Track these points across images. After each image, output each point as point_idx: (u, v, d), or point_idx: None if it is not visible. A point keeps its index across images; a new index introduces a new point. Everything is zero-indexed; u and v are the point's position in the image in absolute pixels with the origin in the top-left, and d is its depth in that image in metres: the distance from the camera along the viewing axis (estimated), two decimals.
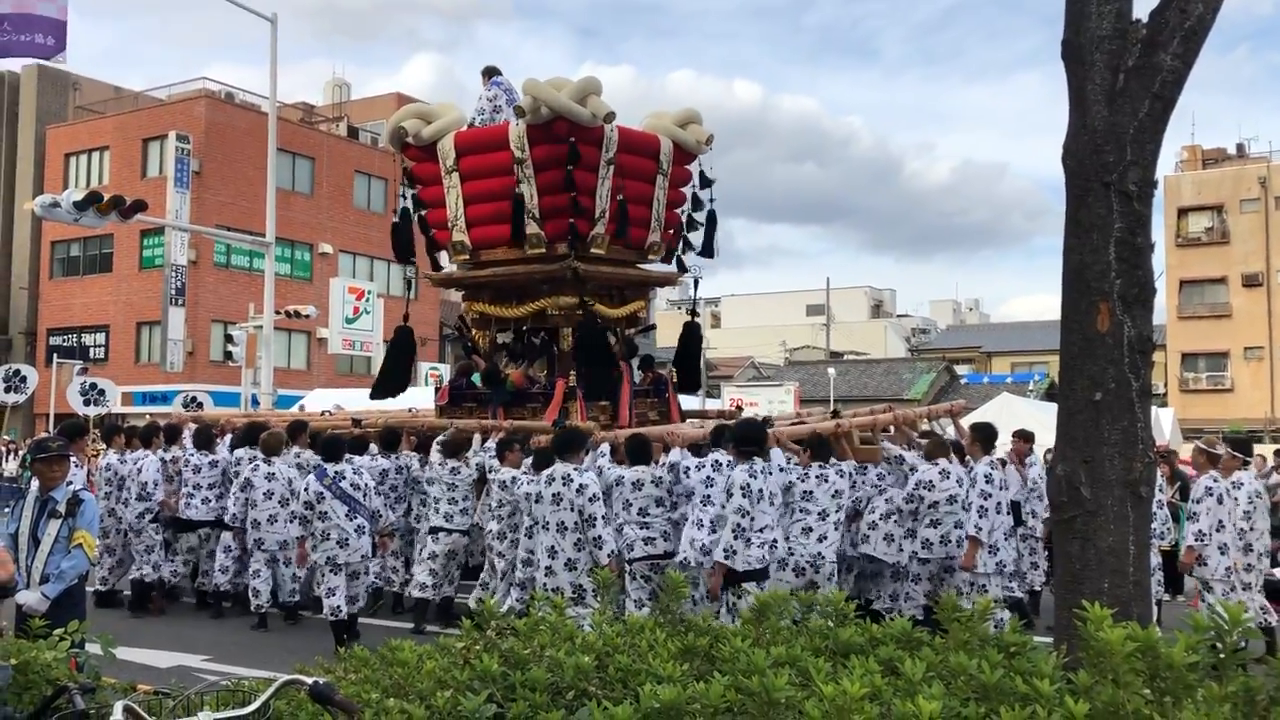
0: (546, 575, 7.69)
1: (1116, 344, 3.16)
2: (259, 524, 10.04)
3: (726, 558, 7.25)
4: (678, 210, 12.37)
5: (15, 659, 3.24)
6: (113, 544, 10.74)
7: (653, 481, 8.34)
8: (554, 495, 7.70)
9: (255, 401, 22.22)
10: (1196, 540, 9.05)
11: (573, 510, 7.63)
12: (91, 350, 37.46)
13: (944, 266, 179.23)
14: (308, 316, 26.36)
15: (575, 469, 7.81)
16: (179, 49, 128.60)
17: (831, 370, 44.23)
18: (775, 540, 7.55)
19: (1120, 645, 2.31)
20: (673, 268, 12.82)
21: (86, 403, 22.41)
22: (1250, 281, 45.61)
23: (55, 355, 35.59)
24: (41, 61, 38.90)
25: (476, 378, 11.94)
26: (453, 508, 9.67)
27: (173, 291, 33.59)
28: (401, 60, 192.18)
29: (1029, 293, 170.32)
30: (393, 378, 12.53)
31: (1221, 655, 2.45)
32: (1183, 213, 47.44)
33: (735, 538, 7.25)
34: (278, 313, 20.37)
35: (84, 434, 11.09)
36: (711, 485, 8.00)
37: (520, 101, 11.04)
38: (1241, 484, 9.44)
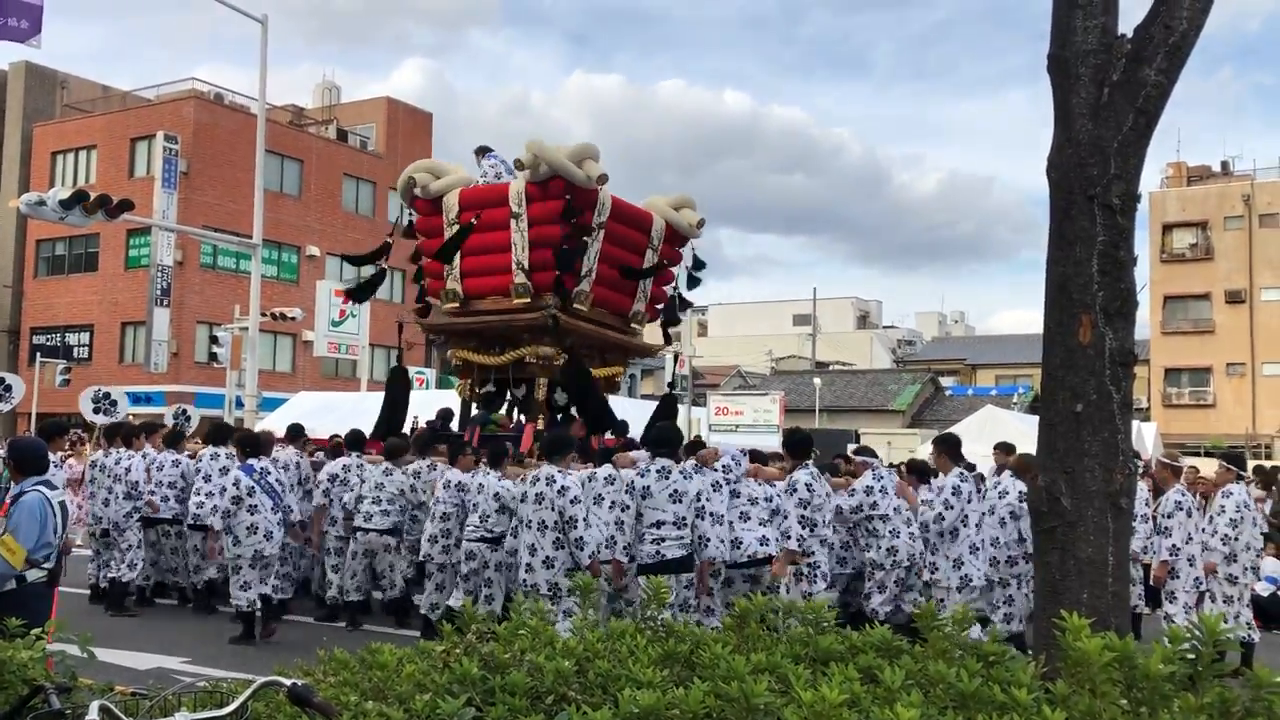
0: (526, 572, 8.06)
1: (1098, 356, 3.18)
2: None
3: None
4: (664, 288, 13.11)
5: None
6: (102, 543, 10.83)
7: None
8: (537, 495, 8.04)
9: (239, 404, 22.14)
10: (1170, 555, 9.12)
11: (553, 510, 7.97)
12: (75, 350, 37.27)
13: (930, 278, 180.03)
14: (293, 319, 26.30)
15: (560, 471, 8.12)
16: (168, 49, 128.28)
17: (817, 380, 44.32)
18: (675, 536, 7.93)
19: (1098, 655, 2.33)
20: (654, 338, 13.64)
21: (97, 410, 22.11)
22: (1233, 298, 45.93)
23: (39, 354, 35.40)
24: (29, 59, 38.96)
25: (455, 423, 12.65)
26: (375, 508, 10.06)
27: (158, 292, 33.45)
28: (392, 64, 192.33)
29: (1014, 306, 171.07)
30: (394, 420, 12.88)
31: (1198, 667, 2.46)
32: (1167, 229, 47.76)
33: (616, 530, 8.09)
34: (264, 315, 20.30)
35: (64, 433, 11.10)
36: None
37: (517, 170, 11.84)
38: (1231, 493, 9.51)
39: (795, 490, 8.58)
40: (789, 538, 8.42)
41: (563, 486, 7.96)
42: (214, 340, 29.33)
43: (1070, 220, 3.25)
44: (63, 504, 5.95)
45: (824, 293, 63.96)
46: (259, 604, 9.37)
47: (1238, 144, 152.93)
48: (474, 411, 12.77)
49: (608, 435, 11.77)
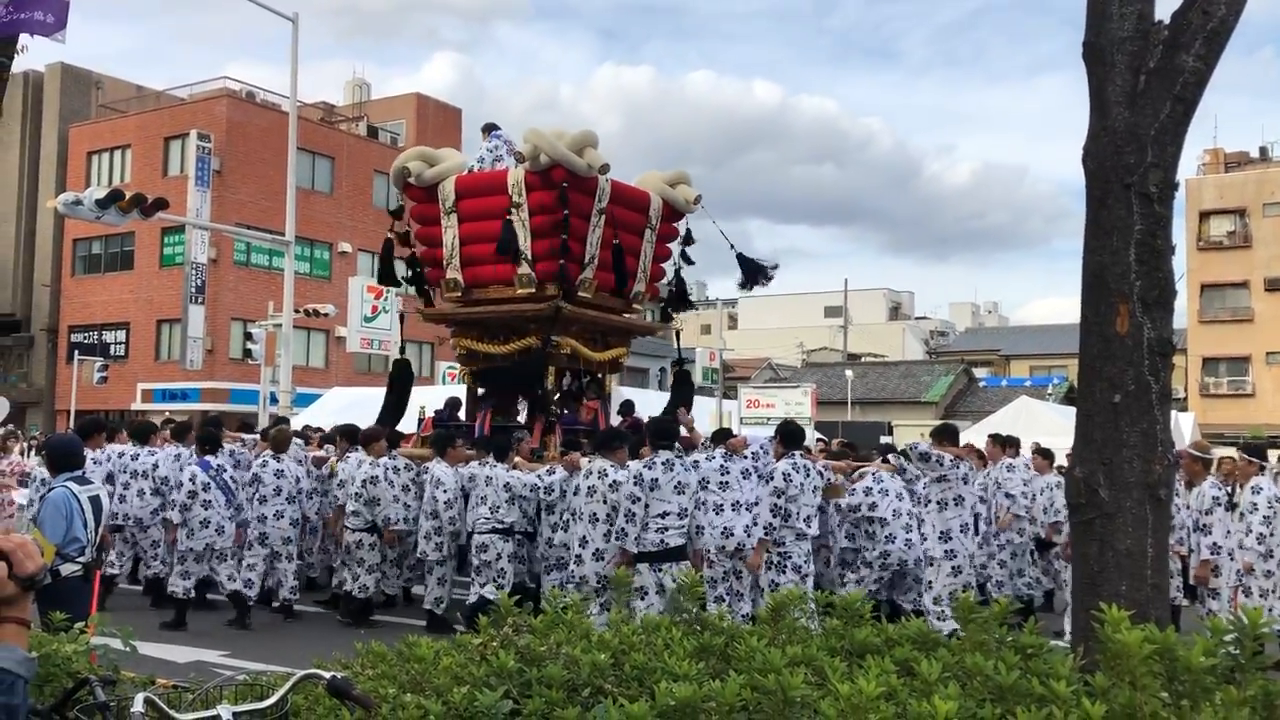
0: (575, 564, 8.34)
1: (1136, 346, 3.14)
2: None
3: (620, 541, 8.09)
4: (662, 264, 13.04)
5: (36, 652, 3.27)
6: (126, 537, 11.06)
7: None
8: (589, 488, 8.35)
9: (274, 399, 22.31)
10: (1212, 553, 9.00)
11: (605, 503, 8.24)
12: (112, 347, 37.73)
13: (963, 269, 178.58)
14: (326, 315, 26.45)
15: (612, 465, 8.38)
16: (200, 48, 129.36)
17: (849, 372, 44.10)
18: (677, 526, 8.17)
19: (1138, 648, 2.30)
20: (660, 316, 13.70)
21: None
22: (1272, 286, 45.25)
23: (76, 352, 35.88)
24: (65, 60, 39.40)
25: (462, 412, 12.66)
26: (264, 507, 10.22)
27: (193, 289, 33.79)
28: (421, 60, 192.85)
29: (1048, 296, 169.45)
30: (396, 409, 13.02)
31: (1240, 659, 2.44)
32: (1204, 216, 47.13)
33: (628, 523, 8.02)
34: (297, 311, 20.47)
35: (101, 430, 11.25)
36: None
37: (520, 149, 11.73)
38: (1260, 489, 9.34)
39: (772, 479, 8.65)
40: (756, 525, 8.64)
41: (614, 481, 8.19)
42: (248, 337, 29.55)
43: (1107, 209, 3.21)
44: (95, 499, 6.00)
45: (855, 284, 63.64)
46: (192, 593, 9.93)
47: (1277, 128, 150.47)
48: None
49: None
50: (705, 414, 28.24)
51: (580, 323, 11.88)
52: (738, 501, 8.85)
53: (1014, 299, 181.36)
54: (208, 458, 10.13)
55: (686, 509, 8.31)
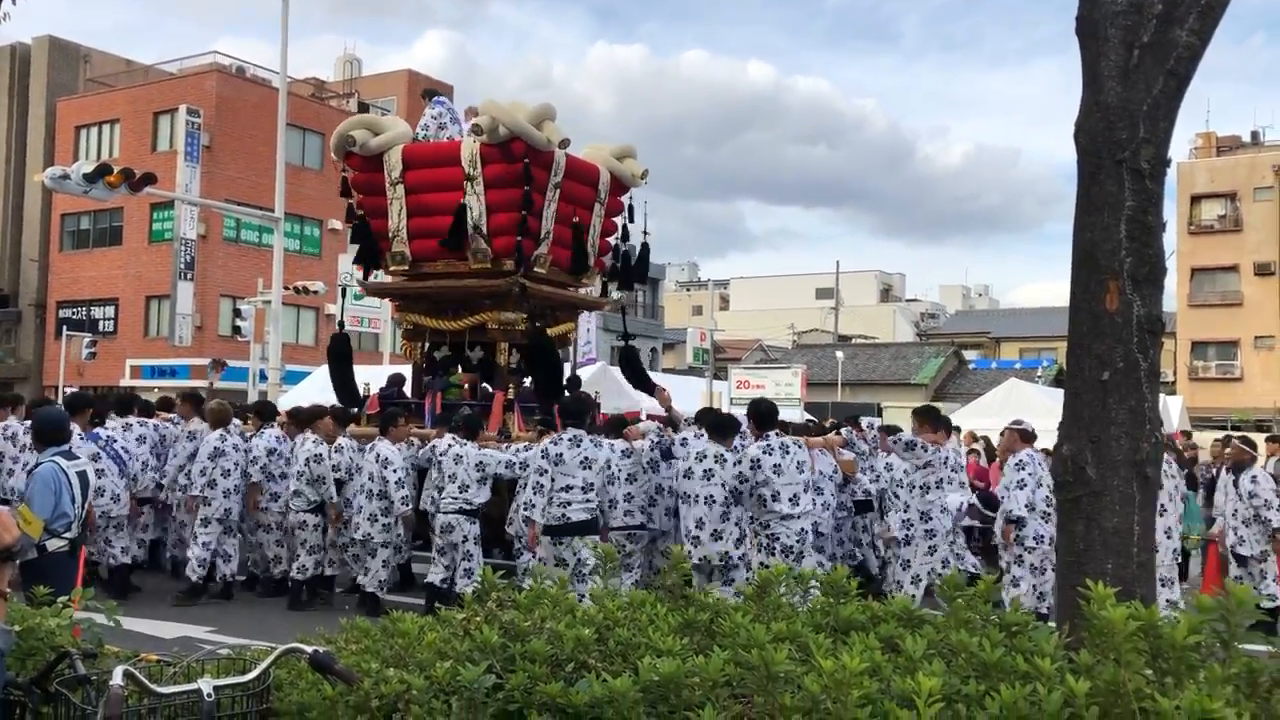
0: (694, 546, 8.30)
1: (1125, 323, 3.13)
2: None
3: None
4: (608, 239, 12.85)
5: (20, 625, 3.25)
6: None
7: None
8: (705, 471, 8.37)
9: (263, 376, 22.25)
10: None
11: (723, 486, 8.32)
12: (100, 323, 37.56)
13: (954, 251, 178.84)
14: (316, 293, 26.38)
15: (727, 450, 8.46)
16: (189, 23, 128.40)
17: (839, 354, 44.14)
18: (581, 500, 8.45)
19: (1123, 625, 2.30)
20: (599, 291, 13.45)
21: None
22: (1262, 270, 45.39)
23: (64, 328, 35.71)
24: (52, 33, 39.03)
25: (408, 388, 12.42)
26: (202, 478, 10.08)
27: (182, 265, 33.63)
28: (413, 37, 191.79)
29: (1039, 279, 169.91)
30: (348, 387, 12.46)
31: (1224, 637, 2.44)
32: (1195, 200, 47.19)
33: (535, 495, 8.41)
34: (286, 288, 20.37)
35: (88, 405, 11.17)
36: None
37: (465, 121, 11.55)
38: (1256, 479, 9.75)
39: (740, 463, 8.35)
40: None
41: (737, 462, 8.31)
42: (237, 314, 29.46)
43: (1098, 185, 3.19)
44: (82, 474, 5.96)
45: (847, 266, 63.53)
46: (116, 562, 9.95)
47: (1269, 113, 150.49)
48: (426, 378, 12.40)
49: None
50: (696, 394, 28.27)
51: (535, 299, 11.66)
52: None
53: (1005, 282, 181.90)
54: (97, 430, 9.99)
55: (592, 484, 8.48)
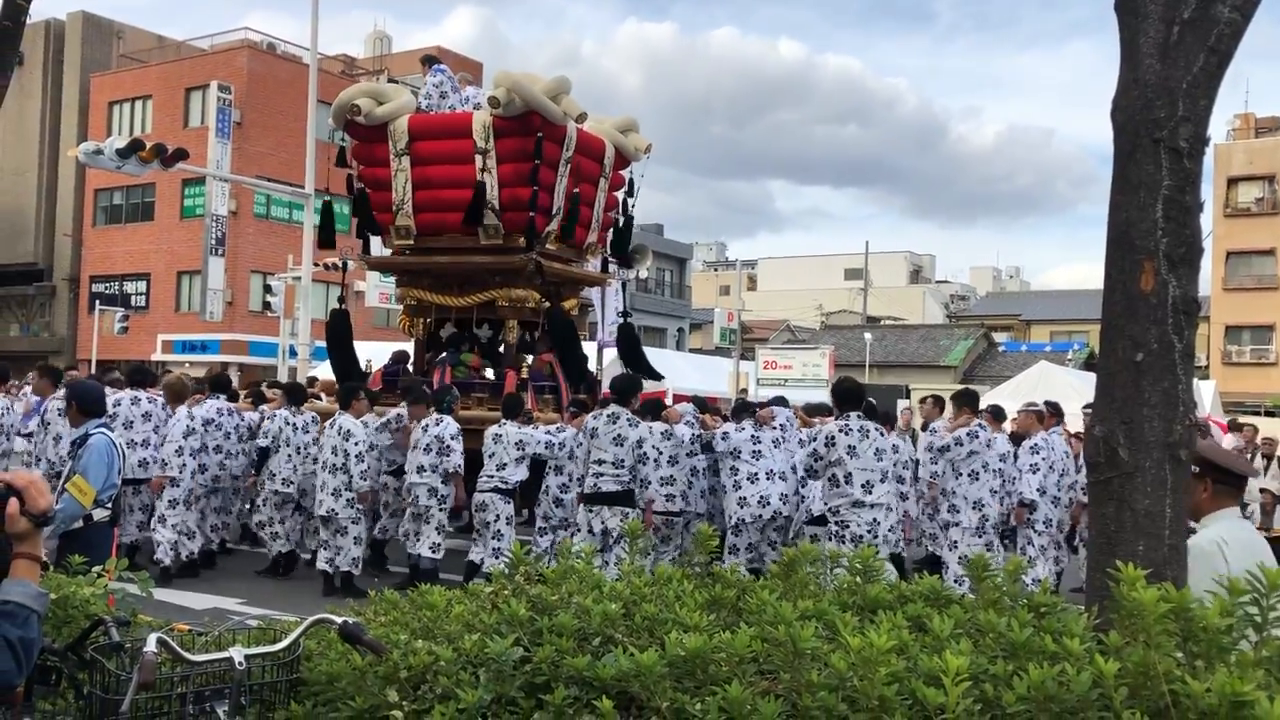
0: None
1: (1160, 304, 3.09)
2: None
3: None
4: (611, 214, 12.64)
5: (55, 594, 3.30)
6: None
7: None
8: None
9: (293, 352, 22.40)
10: None
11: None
12: (133, 298, 37.93)
13: (985, 233, 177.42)
14: (346, 269, 26.43)
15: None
16: None
17: (868, 335, 43.92)
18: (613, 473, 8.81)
19: (1153, 606, 2.28)
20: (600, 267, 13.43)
21: None
22: None
23: (98, 302, 36.08)
24: (85, 9, 39.23)
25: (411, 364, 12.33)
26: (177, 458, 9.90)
27: (213, 241, 33.85)
28: (443, 13, 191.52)
29: (1071, 261, 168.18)
30: (348, 365, 12.28)
31: (1257, 619, 2.41)
32: (1232, 182, 46.47)
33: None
34: (316, 265, 20.49)
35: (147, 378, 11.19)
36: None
37: (462, 90, 11.42)
38: None
39: (814, 439, 8.09)
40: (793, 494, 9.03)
41: (812, 439, 8.42)
42: (268, 289, 29.64)
43: (1134, 164, 3.14)
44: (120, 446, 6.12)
45: (876, 247, 63.19)
46: None
47: None
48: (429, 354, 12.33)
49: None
50: (723, 374, 28.25)
51: (548, 275, 11.48)
52: (771, 470, 9.01)
53: (1036, 264, 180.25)
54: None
55: (623, 460, 8.73)
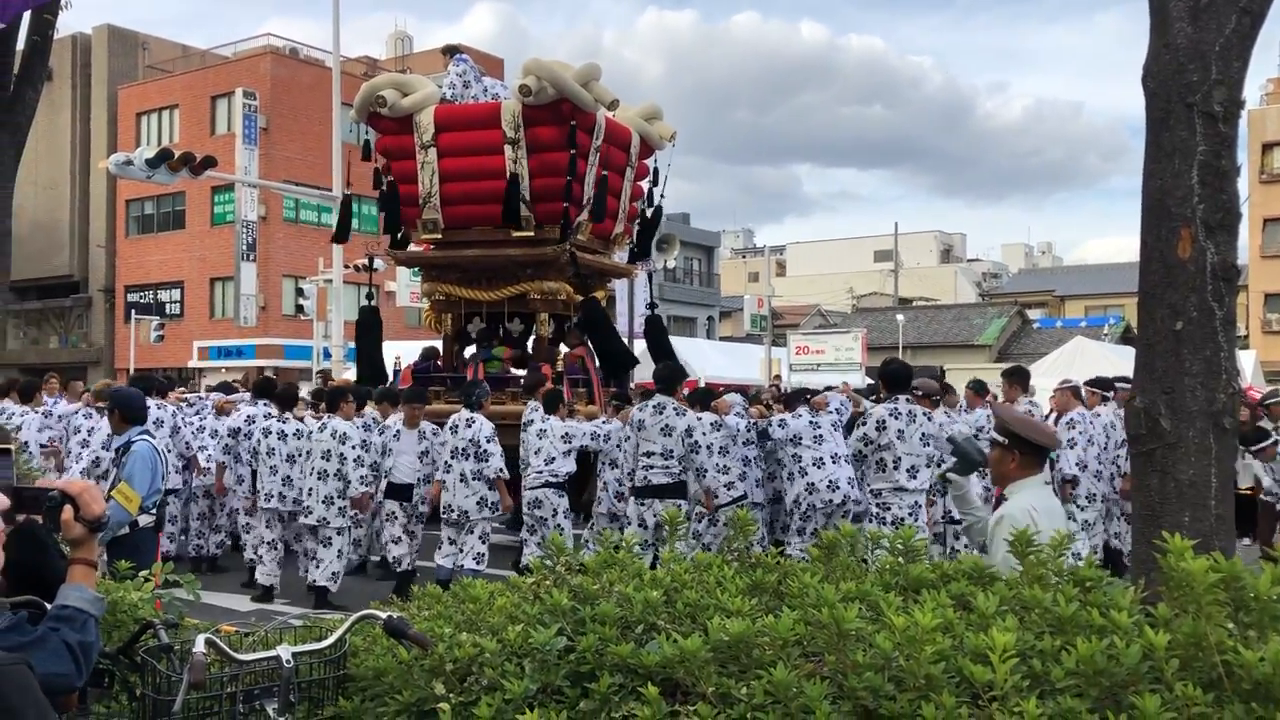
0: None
1: (1199, 271, 3.05)
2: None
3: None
4: (635, 204, 12.37)
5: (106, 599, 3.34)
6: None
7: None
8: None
9: (327, 354, 22.57)
10: None
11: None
12: (168, 306, 38.34)
13: (1016, 209, 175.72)
14: (376, 270, 26.57)
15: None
16: (238, 5, 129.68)
17: (900, 317, 43.62)
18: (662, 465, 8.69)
19: (1203, 576, 2.25)
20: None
21: None
22: None
23: (133, 311, 36.50)
24: (110, 22, 39.60)
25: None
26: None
27: (244, 247, 34.14)
28: (463, 10, 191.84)
29: (1105, 235, 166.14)
30: (372, 363, 12.12)
31: None
32: (1268, 148, 45.69)
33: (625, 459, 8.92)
34: (346, 266, 20.60)
35: (155, 386, 11.30)
36: None
37: (482, 77, 11.31)
38: None
39: (865, 423, 7.98)
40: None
41: (863, 423, 8.26)
42: (300, 293, 29.86)
43: (1168, 130, 3.10)
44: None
45: (905, 227, 62.87)
46: None
47: None
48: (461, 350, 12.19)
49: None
50: (754, 361, 28.16)
51: (580, 267, 11.20)
52: (836, 453, 8.92)
53: (1069, 239, 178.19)
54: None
55: (671, 450, 8.57)
